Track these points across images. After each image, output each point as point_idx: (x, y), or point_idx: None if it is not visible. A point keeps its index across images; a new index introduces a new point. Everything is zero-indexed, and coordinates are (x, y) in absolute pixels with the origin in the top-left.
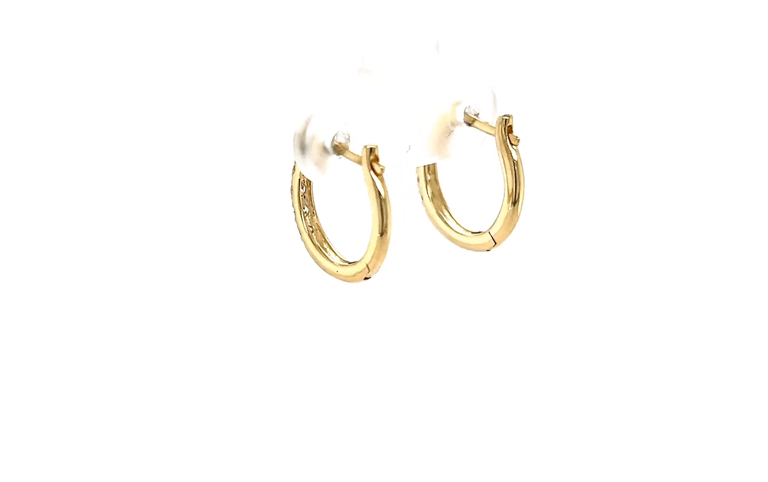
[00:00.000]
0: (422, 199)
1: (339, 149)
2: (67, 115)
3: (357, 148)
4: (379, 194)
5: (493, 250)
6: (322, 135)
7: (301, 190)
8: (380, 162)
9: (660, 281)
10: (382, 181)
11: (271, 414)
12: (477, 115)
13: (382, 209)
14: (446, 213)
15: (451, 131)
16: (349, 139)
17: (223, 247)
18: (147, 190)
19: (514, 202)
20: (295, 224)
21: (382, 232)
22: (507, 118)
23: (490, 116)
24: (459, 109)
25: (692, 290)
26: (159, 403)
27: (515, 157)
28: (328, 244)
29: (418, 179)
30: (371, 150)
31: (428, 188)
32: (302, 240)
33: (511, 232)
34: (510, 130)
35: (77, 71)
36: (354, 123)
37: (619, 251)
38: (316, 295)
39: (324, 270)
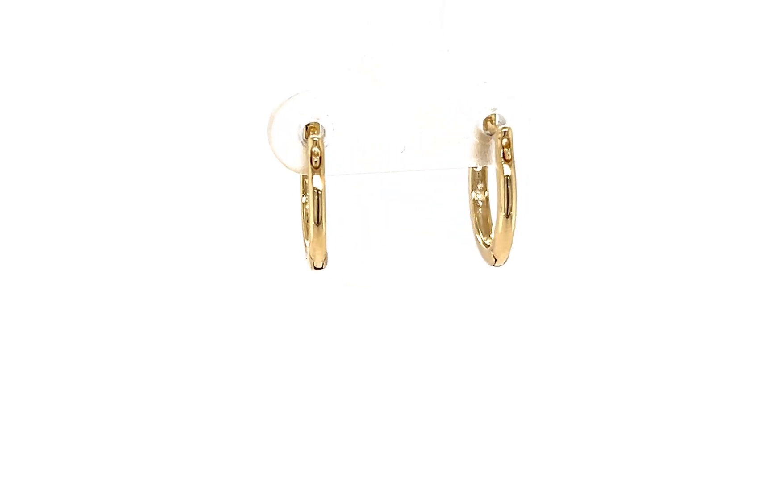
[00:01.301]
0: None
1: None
2: (53, 117)
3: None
4: (315, 188)
5: (502, 265)
6: (293, 118)
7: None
8: (322, 159)
9: (669, 300)
10: (320, 174)
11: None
12: (501, 126)
13: (318, 203)
14: (483, 222)
15: (466, 136)
16: (325, 133)
17: (229, 231)
18: (160, 179)
19: (507, 216)
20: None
21: (318, 223)
22: (507, 130)
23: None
24: (479, 117)
25: (696, 289)
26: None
27: (507, 173)
28: None
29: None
30: (315, 142)
31: (473, 194)
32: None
33: (507, 246)
34: (508, 144)
35: (61, 71)
36: (342, 118)
37: (627, 272)
38: (299, 289)
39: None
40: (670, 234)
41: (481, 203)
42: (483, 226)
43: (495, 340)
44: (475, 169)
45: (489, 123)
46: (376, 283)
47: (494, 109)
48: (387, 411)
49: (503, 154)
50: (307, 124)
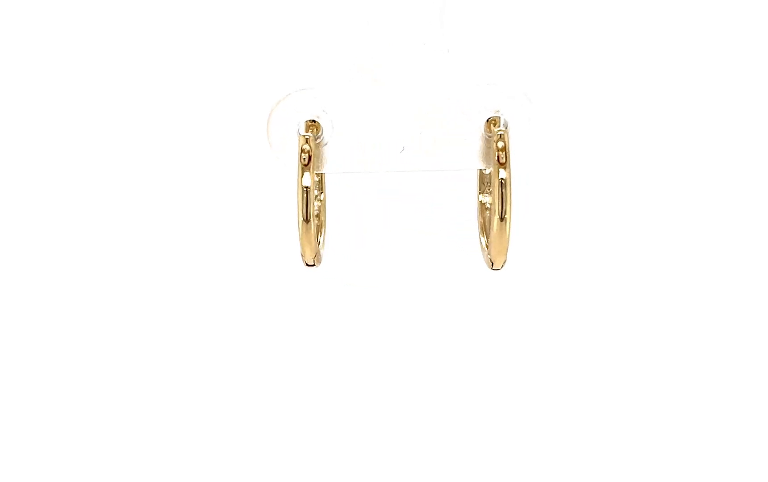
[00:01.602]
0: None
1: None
2: (50, 111)
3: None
4: (303, 186)
5: (500, 268)
6: (290, 116)
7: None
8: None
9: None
10: (309, 172)
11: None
12: (504, 127)
13: (306, 200)
14: (489, 225)
15: (467, 137)
16: (323, 132)
17: (227, 229)
18: (169, 172)
19: (502, 219)
20: None
21: (306, 220)
22: (502, 133)
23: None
24: (479, 118)
25: (696, 295)
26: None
27: (502, 176)
28: (321, 232)
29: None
30: (307, 139)
31: (480, 197)
32: None
33: (503, 250)
34: (503, 147)
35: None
36: (341, 117)
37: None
38: (299, 289)
39: None
40: (669, 237)
41: (488, 205)
42: (488, 228)
43: (493, 342)
44: (483, 171)
45: (492, 125)
46: (376, 283)
47: (496, 111)
48: (385, 412)
49: (498, 157)
50: (306, 122)
